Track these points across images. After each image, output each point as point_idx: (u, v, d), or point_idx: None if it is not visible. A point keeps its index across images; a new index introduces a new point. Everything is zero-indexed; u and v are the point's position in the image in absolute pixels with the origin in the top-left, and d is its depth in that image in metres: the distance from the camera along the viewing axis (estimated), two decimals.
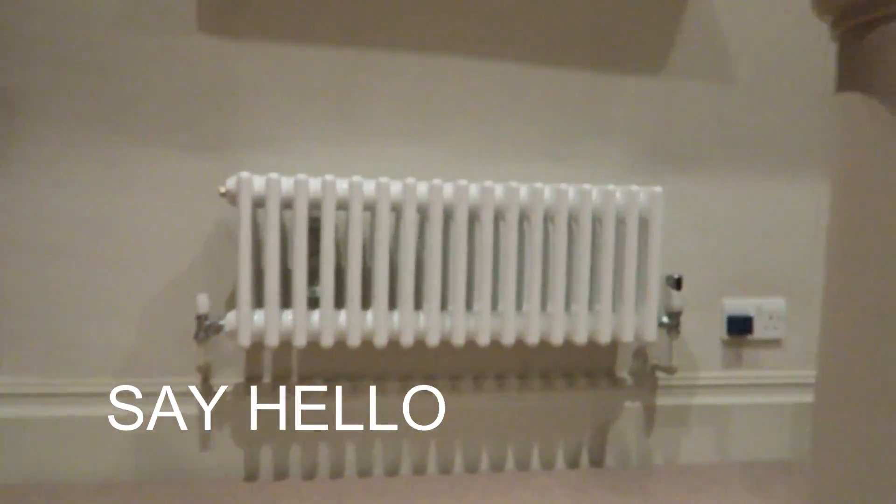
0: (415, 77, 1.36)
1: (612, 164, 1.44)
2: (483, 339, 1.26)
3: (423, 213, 1.25)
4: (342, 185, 1.20)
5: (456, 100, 1.38)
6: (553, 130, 1.42)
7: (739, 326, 1.53)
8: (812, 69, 1.52)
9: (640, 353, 1.49)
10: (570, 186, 1.28)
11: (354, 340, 1.21)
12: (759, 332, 1.55)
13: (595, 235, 1.32)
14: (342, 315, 1.22)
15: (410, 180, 1.22)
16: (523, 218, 1.29)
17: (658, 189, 1.32)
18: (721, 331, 1.53)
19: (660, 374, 1.49)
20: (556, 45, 1.41)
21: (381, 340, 1.22)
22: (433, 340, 1.24)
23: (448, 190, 1.24)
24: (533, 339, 1.28)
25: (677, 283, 1.41)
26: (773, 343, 1.57)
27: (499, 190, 1.26)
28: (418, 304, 1.27)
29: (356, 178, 1.20)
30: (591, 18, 1.42)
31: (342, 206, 1.21)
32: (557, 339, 1.29)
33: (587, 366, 1.46)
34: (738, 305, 1.53)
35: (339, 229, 1.31)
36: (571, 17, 1.41)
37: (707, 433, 1.51)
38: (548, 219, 1.30)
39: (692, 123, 1.47)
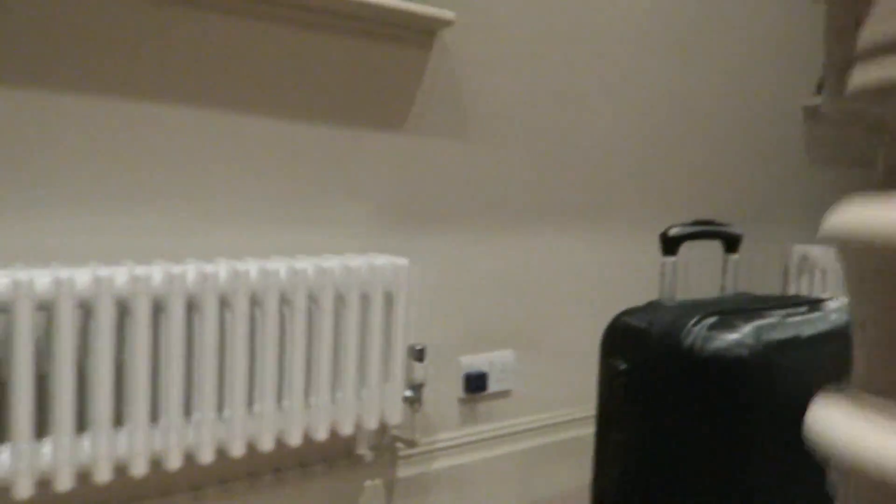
0: (115, 128, 1.05)
1: (353, 226, 1.30)
2: (206, 457, 1.04)
3: (122, 308, 0.98)
4: (2, 281, 0.88)
5: (170, 157, 1.10)
6: (289, 191, 1.23)
7: (475, 384, 1.52)
8: (546, 126, 1.54)
9: (380, 425, 1.39)
10: (308, 264, 1.11)
11: (23, 489, 0.90)
12: (493, 385, 1.56)
13: (337, 315, 1.17)
14: (4, 452, 0.90)
15: (104, 271, 0.94)
16: (255, 304, 1.08)
17: (403, 262, 1.21)
18: (458, 390, 1.50)
19: (399, 444, 1.41)
20: (291, 97, 1.21)
21: (64, 482, 0.93)
22: (139, 469, 0.99)
23: (157, 278, 0.98)
24: (267, 444, 1.10)
25: (420, 355, 1.34)
26: (504, 394, 1.59)
27: (224, 273, 1.04)
28: (119, 422, 1.00)
29: (21, 276, 0.88)
30: (330, 71, 1.25)
31: (4, 307, 0.89)
32: (296, 439, 1.12)
33: (324, 449, 1.32)
34: (474, 362, 1.52)
35: None
36: (308, 69, 1.22)
37: (448, 496, 1.48)
38: (284, 302, 1.11)
39: (432, 181, 1.40)
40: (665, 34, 1.76)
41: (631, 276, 1.77)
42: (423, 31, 1.30)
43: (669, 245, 0.82)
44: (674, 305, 0.76)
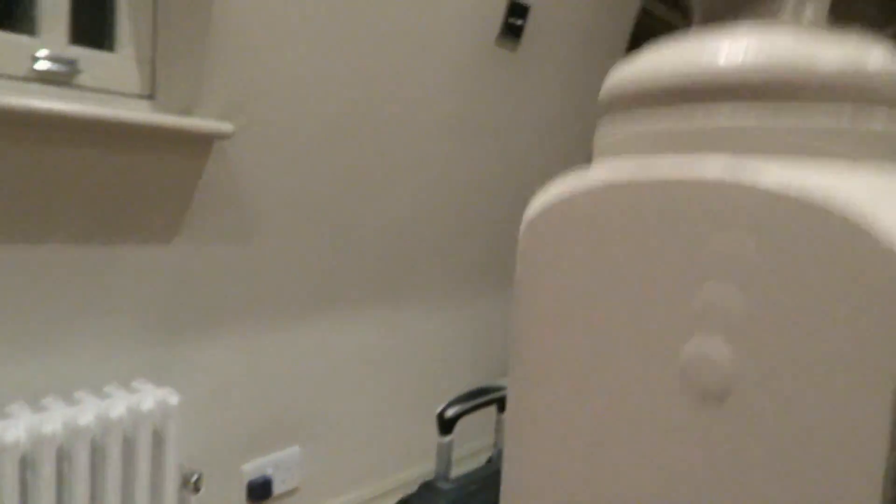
0: None
1: (115, 350, 1.17)
2: None
3: None
4: None
5: None
6: (35, 323, 1.07)
7: (259, 492, 1.46)
8: (333, 217, 1.51)
9: None
10: (59, 423, 0.98)
11: None
12: (278, 487, 1.50)
13: (95, 469, 1.05)
14: None
15: None
16: None
17: (174, 401, 1.12)
18: (241, 501, 1.43)
19: None
20: (37, 220, 1.05)
21: None
22: None
23: None
24: None
25: (196, 485, 1.24)
26: (291, 493, 1.54)
27: None
28: None
29: None
30: (87, 188, 1.10)
31: None
32: None
33: None
34: (257, 467, 1.45)
35: None
36: (56, 189, 1.07)
37: None
38: (27, 465, 0.97)
39: (209, 288, 1.30)
40: (459, 126, 1.80)
41: (414, 352, 1.81)
42: (198, 142, 1.20)
43: (446, 426, 0.85)
44: (449, 490, 0.78)
